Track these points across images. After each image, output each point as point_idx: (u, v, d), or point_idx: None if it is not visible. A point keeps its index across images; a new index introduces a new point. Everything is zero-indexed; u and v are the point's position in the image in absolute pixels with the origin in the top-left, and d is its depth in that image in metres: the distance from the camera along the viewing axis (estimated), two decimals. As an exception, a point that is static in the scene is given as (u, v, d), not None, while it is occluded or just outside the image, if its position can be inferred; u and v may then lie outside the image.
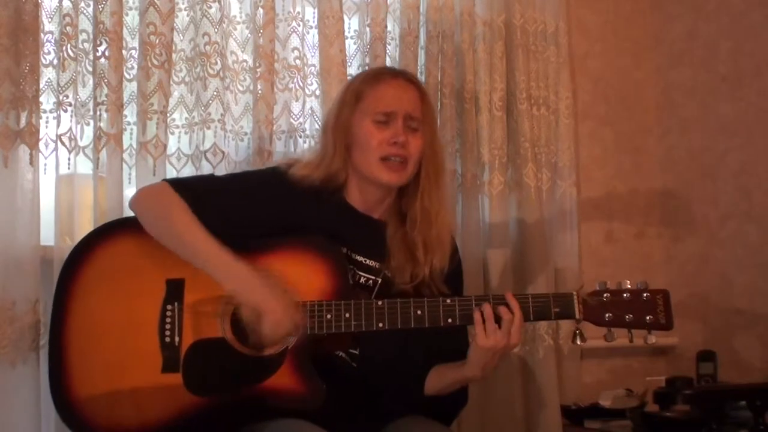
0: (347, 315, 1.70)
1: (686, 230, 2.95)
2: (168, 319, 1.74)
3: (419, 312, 1.71)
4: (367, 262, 1.83)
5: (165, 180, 1.86)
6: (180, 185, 1.80)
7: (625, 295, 1.74)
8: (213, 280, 1.71)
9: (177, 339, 1.73)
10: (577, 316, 1.74)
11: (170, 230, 1.74)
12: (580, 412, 2.57)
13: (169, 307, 1.74)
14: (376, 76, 1.89)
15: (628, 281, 1.75)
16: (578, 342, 1.78)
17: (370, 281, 1.83)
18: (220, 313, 1.73)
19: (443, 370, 1.83)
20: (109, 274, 1.78)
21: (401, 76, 1.90)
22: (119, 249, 1.81)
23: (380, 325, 1.70)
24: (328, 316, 1.70)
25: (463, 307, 1.72)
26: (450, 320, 1.71)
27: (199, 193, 1.78)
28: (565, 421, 2.59)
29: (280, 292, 1.68)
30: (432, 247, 1.83)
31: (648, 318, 1.73)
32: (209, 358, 1.72)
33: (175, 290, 1.75)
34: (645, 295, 1.73)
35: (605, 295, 1.74)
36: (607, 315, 1.73)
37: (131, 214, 1.83)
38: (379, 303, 1.72)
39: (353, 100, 1.85)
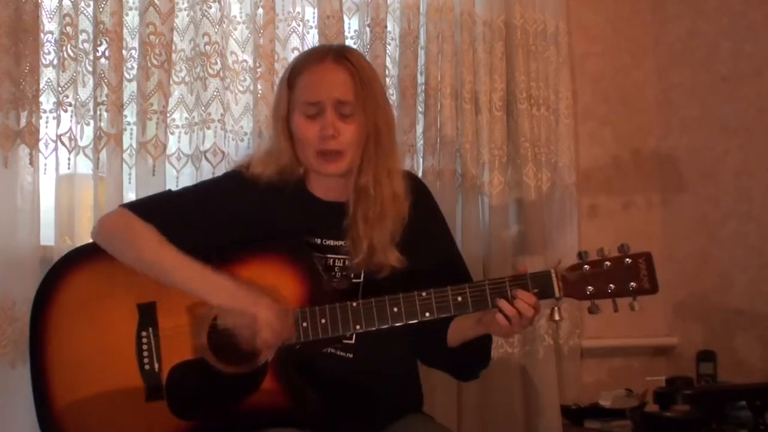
0: (323, 321, 1.66)
1: (686, 230, 2.95)
2: (144, 346, 1.70)
3: (395, 309, 1.66)
4: (343, 245, 1.77)
5: (122, 206, 1.81)
6: (140, 208, 1.76)
7: (606, 263, 1.65)
8: (184, 299, 1.68)
9: (156, 365, 1.69)
10: (557, 295, 1.65)
11: (143, 257, 1.69)
12: (580, 412, 2.57)
13: (143, 333, 1.70)
14: (304, 62, 1.79)
15: (607, 248, 1.66)
16: (556, 318, 1.71)
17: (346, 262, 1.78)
18: (197, 333, 1.69)
19: (464, 320, 1.76)
20: (79, 306, 1.73)
21: (329, 57, 1.75)
22: (85, 278, 1.76)
23: (357, 327, 1.66)
24: (304, 324, 1.66)
25: (440, 299, 1.66)
26: (428, 314, 1.66)
27: (162, 213, 1.74)
28: (565, 421, 2.59)
29: (267, 299, 1.65)
30: (371, 222, 1.75)
31: (632, 285, 1.64)
32: (191, 381, 1.68)
33: (147, 315, 1.71)
34: (626, 260, 1.64)
35: (585, 267, 1.65)
36: (588, 288, 1.64)
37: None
38: (354, 304, 1.67)
39: (287, 89, 1.77)
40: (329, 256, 1.78)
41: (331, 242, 1.78)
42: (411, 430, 1.77)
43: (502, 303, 1.64)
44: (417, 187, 1.86)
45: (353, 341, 1.77)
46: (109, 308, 1.73)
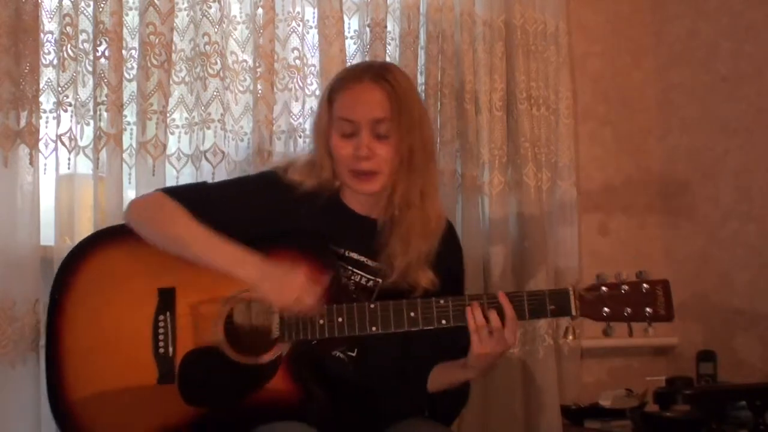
0: (340, 319, 1.68)
1: (686, 230, 2.95)
2: (161, 330, 1.72)
3: (412, 314, 1.68)
4: (368, 262, 1.81)
5: (159, 190, 1.83)
6: (175, 193, 1.78)
7: (623, 288, 1.68)
8: (204, 287, 1.70)
9: (171, 350, 1.71)
10: (574, 313, 1.67)
11: (172, 233, 1.72)
12: (580, 412, 2.57)
13: (161, 317, 1.72)
14: (343, 80, 1.81)
15: (625, 273, 1.70)
16: (569, 337, 1.74)
17: (371, 282, 1.81)
18: (214, 321, 1.71)
19: (445, 369, 1.82)
20: (99, 286, 1.76)
21: (366, 76, 1.77)
22: (108, 260, 1.78)
23: (373, 328, 1.68)
24: (321, 321, 1.68)
25: (457, 308, 1.68)
26: (444, 321, 1.68)
27: (196, 199, 1.76)
28: (565, 421, 2.59)
29: (299, 270, 1.66)
30: (400, 242, 1.78)
31: (647, 310, 1.67)
32: (204, 368, 1.71)
33: (166, 299, 1.73)
34: (644, 286, 1.67)
35: (602, 288, 1.68)
36: (605, 310, 1.67)
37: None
38: (372, 306, 1.69)
39: (327, 105, 1.80)
40: (349, 267, 1.79)
41: (354, 255, 1.80)
42: (412, 430, 1.78)
43: (475, 309, 1.65)
44: (445, 228, 1.86)
45: (354, 354, 1.79)
46: (129, 290, 1.75)
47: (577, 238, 2.78)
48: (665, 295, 1.68)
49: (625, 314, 1.68)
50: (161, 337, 1.72)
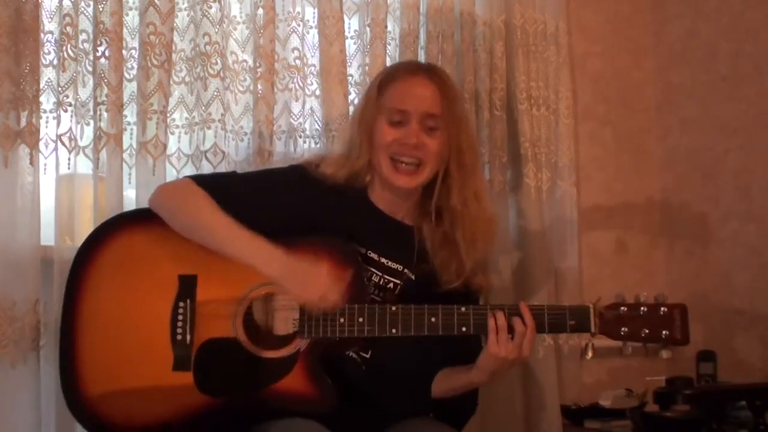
0: (360, 320, 1.68)
1: (686, 230, 2.95)
2: (180, 317, 1.72)
3: (433, 319, 1.69)
4: (390, 264, 1.81)
5: (187, 176, 1.84)
6: (203, 181, 1.79)
7: (642, 309, 1.70)
8: (226, 276, 1.70)
9: (189, 337, 1.71)
10: (593, 330, 1.71)
11: (198, 221, 1.72)
12: (580, 412, 2.57)
13: (181, 304, 1.73)
14: (396, 71, 1.85)
15: (645, 294, 1.72)
16: (588, 356, 1.76)
17: (391, 284, 1.81)
18: (233, 313, 1.72)
19: (451, 373, 1.82)
20: (120, 267, 1.76)
21: (421, 72, 1.84)
22: (130, 242, 1.79)
23: (393, 331, 1.68)
24: (342, 320, 1.68)
25: (478, 316, 1.69)
26: (464, 329, 1.69)
27: (223, 189, 1.77)
28: (565, 421, 2.59)
29: (322, 266, 1.67)
30: (467, 243, 1.80)
31: (664, 333, 1.69)
32: (221, 358, 1.71)
33: (187, 286, 1.73)
34: (662, 309, 1.70)
35: (622, 308, 1.71)
36: (623, 329, 1.71)
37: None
38: (393, 308, 1.70)
39: (375, 95, 1.81)
40: (371, 268, 1.80)
41: (384, 260, 1.81)
42: (413, 429, 1.79)
43: (499, 313, 1.67)
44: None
45: (368, 355, 1.80)
46: (150, 274, 1.76)
47: (577, 238, 2.78)
48: (682, 319, 1.70)
49: (643, 335, 1.71)
50: (180, 324, 1.72)
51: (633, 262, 2.95)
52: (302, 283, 1.66)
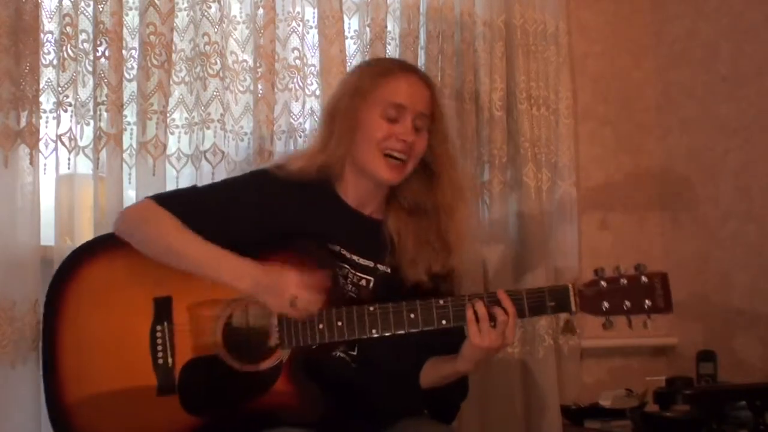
0: (339, 323, 1.67)
1: (686, 230, 2.94)
2: (159, 340, 1.70)
3: (412, 315, 1.67)
4: (361, 261, 1.80)
5: (148, 197, 1.81)
6: (165, 200, 1.76)
7: (622, 281, 1.68)
8: (200, 295, 1.69)
9: (170, 360, 1.70)
10: (573, 309, 1.68)
11: (165, 245, 1.69)
12: (580, 412, 2.56)
13: (158, 327, 1.71)
14: (389, 68, 1.84)
15: (623, 266, 1.70)
16: (569, 333, 1.74)
17: (363, 281, 1.80)
18: (212, 328, 1.70)
19: (437, 362, 1.81)
20: (95, 295, 1.74)
21: (414, 73, 1.85)
22: (104, 268, 1.76)
23: (373, 331, 1.67)
24: (321, 326, 1.67)
25: (457, 308, 1.67)
26: (444, 322, 1.67)
27: (185, 205, 1.74)
28: (565, 421, 2.59)
29: (293, 271, 1.65)
30: (449, 241, 1.80)
31: (647, 303, 1.67)
32: (205, 377, 1.69)
33: (163, 309, 1.71)
34: (643, 279, 1.68)
35: (602, 283, 1.68)
36: (604, 304, 1.67)
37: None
38: (371, 309, 1.68)
39: (363, 89, 1.80)
40: (345, 266, 1.78)
41: (355, 258, 1.80)
42: (412, 429, 1.78)
43: (477, 304, 1.66)
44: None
45: (356, 353, 1.78)
46: (125, 300, 1.73)
47: (577, 238, 2.78)
48: (663, 287, 1.68)
49: (625, 307, 1.68)
50: (159, 347, 1.70)
51: (633, 261, 2.94)
52: (273, 292, 1.64)
